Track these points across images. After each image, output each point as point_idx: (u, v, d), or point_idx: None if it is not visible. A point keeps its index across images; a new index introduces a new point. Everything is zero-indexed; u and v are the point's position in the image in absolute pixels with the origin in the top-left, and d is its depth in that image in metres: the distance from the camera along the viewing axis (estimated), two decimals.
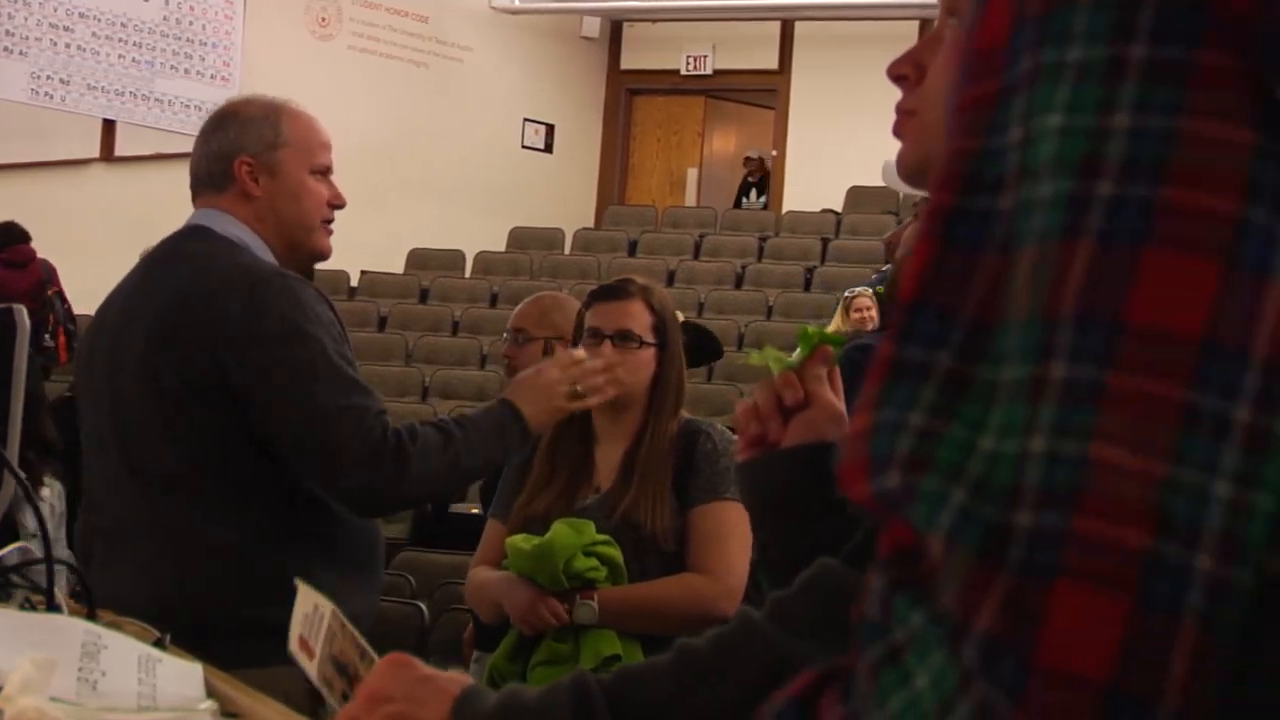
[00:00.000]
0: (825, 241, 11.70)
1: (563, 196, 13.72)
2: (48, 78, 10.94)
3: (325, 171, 2.48)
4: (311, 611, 1.30)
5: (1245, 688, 0.48)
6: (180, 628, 1.76)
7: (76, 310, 8.77)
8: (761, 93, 14.04)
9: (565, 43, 14.06)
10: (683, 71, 14.10)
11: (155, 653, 1.55)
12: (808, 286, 10.95)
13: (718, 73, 13.96)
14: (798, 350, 1.27)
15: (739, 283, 11.17)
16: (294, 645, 1.32)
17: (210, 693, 1.54)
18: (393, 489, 2.28)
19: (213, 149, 2.44)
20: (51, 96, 10.97)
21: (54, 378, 8.36)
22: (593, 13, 14.05)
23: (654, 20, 14.16)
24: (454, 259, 12.19)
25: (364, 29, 12.78)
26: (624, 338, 2.60)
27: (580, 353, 2.49)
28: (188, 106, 11.43)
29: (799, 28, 13.43)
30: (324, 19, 12.60)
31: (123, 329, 2.37)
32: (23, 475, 1.85)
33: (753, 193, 13.59)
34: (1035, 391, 0.51)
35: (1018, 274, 0.52)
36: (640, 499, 2.54)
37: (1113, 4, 0.52)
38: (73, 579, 1.99)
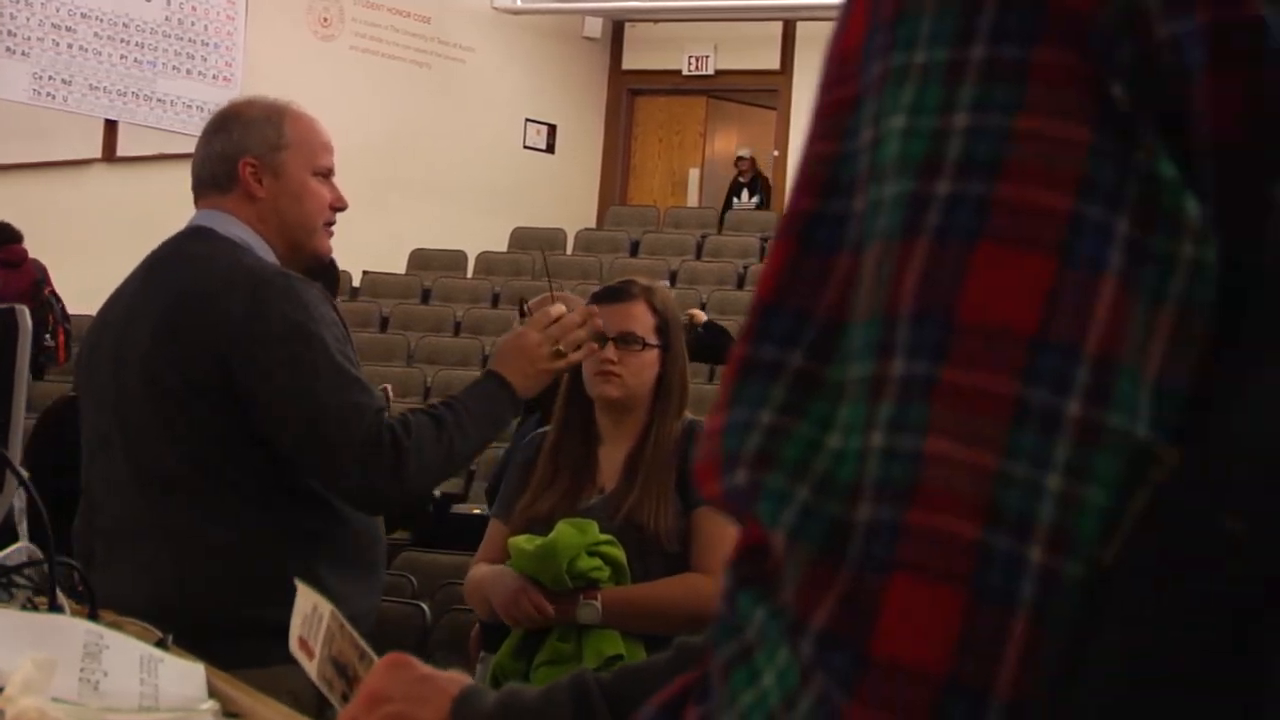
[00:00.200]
0: None
1: (564, 197, 13.72)
2: (49, 78, 10.95)
3: (327, 173, 2.48)
4: (310, 612, 1.30)
5: (1076, 679, 0.48)
6: (181, 628, 1.76)
7: (79, 310, 8.77)
8: (763, 93, 14.04)
9: (567, 43, 14.06)
10: (684, 72, 14.10)
11: (157, 653, 1.56)
12: None
13: (719, 73, 13.97)
14: None
15: (740, 283, 11.17)
16: (294, 646, 1.32)
17: (212, 693, 1.54)
18: (392, 486, 2.29)
19: (216, 150, 2.44)
20: (53, 97, 10.98)
21: (52, 378, 8.38)
22: (595, 13, 14.05)
23: (656, 21, 14.16)
24: (456, 259, 12.20)
25: (366, 29, 12.79)
26: (627, 340, 2.61)
27: (559, 308, 2.48)
28: (189, 107, 11.43)
29: (801, 28, 13.43)
30: (326, 19, 12.61)
31: (126, 329, 2.37)
32: (25, 475, 1.85)
33: (744, 193, 13.57)
34: (876, 389, 0.51)
35: (865, 273, 0.53)
36: (644, 499, 2.55)
37: (956, 7, 0.52)
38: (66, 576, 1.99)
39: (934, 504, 0.49)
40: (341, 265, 10.20)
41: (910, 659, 0.49)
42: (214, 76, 11.70)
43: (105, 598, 1.91)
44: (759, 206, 13.38)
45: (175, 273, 2.37)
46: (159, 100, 11.45)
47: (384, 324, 10.85)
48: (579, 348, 2.44)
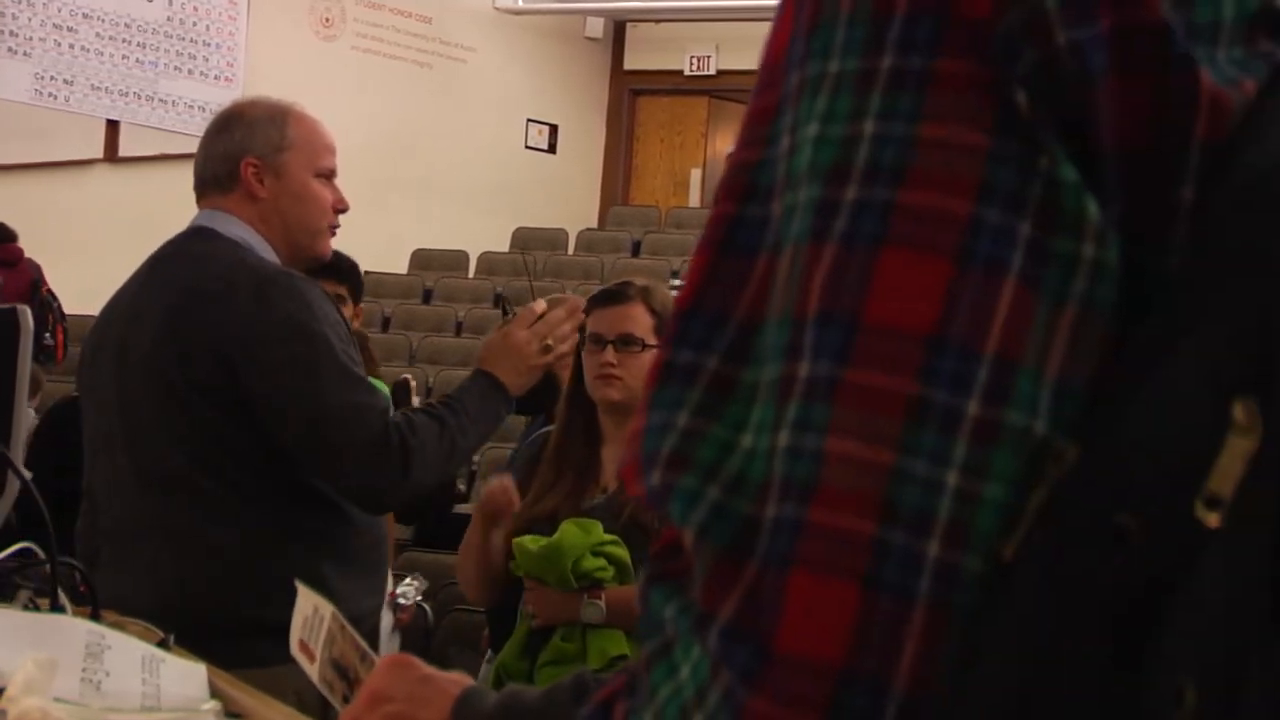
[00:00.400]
0: None
1: (566, 197, 13.72)
2: (51, 78, 10.94)
3: (330, 175, 2.48)
4: (311, 614, 1.30)
5: (977, 669, 0.49)
6: (184, 628, 1.76)
7: (80, 310, 8.77)
8: None
9: (569, 43, 14.05)
10: (686, 72, 14.10)
11: (159, 653, 1.56)
12: None
13: (721, 73, 13.96)
14: None
15: None
16: (295, 648, 1.32)
17: (214, 693, 1.54)
18: (396, 486, 2.30)
19: (218, 150, 2.44)
20: (55, 97, 10.98)
21: (51, 377, 8.37)
22: (596, 13, 14.05)
23: (657, 21, 14.16)
24: (457, 259, 12.20)
25: (368, 30, 12.79)
26: (626, 342, 2.61)
27: (541, 304, 2.50)
28: (191, 107, 11.43)
29: None
30: (328, 20, 12.61)
31: (128, 329, 2.37)
32: (28, 475, 1.85)
33: None
34: (784, 390, 0.52)
35: (778, 277, 0.54)
36: None
37: (867, 18, 0.54)
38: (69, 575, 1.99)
39: (834, 502, 0.50)
40: None
41: (810, 653, 0.50)
42: (216, 77, 11.70)
43: (110, 598, 1.91)
44: None
45: (178, 272, 2.37)
46: (161, 100, 11.45)
47: (385, 324, 10.86)
48: (565, 341, 2.47)
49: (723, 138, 14.94)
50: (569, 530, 2.52)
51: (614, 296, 2.69)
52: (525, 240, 12.72)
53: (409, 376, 6.39)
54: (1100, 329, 0.51)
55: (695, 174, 14.61)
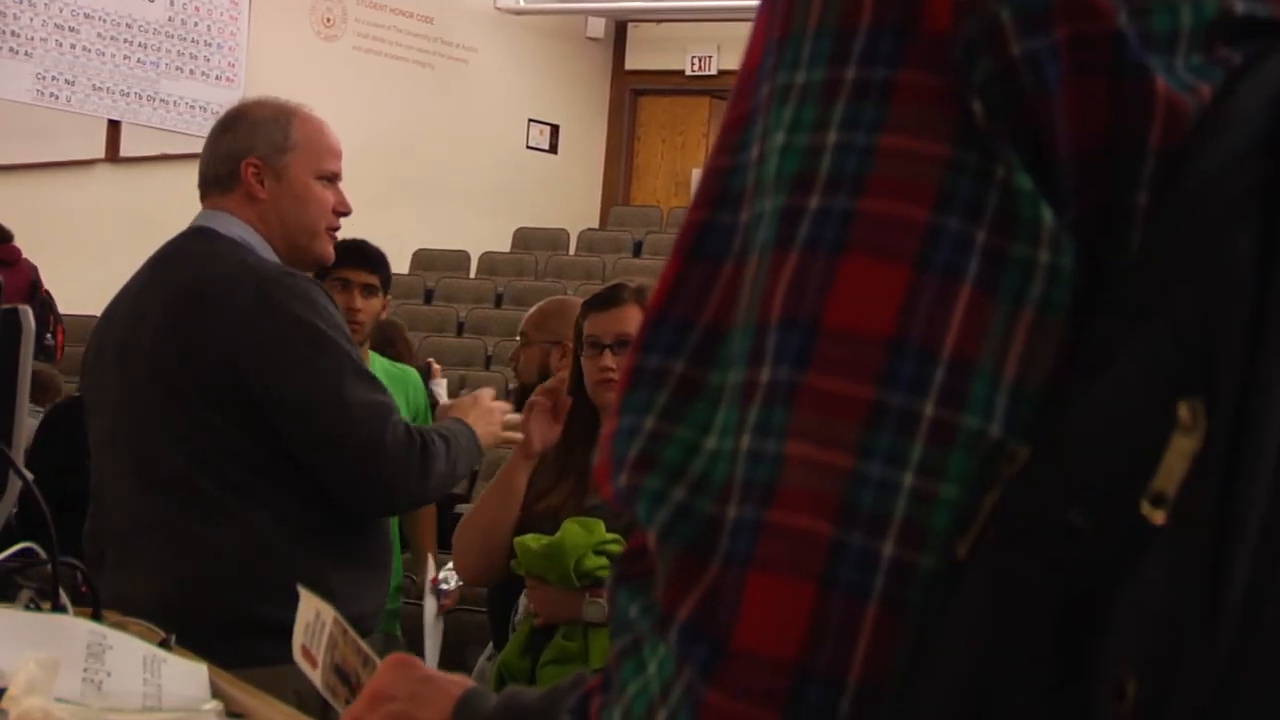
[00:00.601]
0: None
1: (567, 197, 13.72)
2: (53, 78, 10.95)
3: (333, 178, 2.48)
4: (313, 619, 1.30)
5: (929, 664, 0.50)
6: (187, 628, 1.76)
7: (82, 311, 8.77)
8: None
9: (570, 43, 14.06)
10: (687, 72, 14.10)
11: (160, 653, 1.56)
12: None
13: (723, 73, 13.96)
14: None
15: None
16: (298, 654, 1.32)
17: (215, 693, 1.54)
18: (418, 486, 2.34)
19: (221, 150, 2.45)
20: (57, 97, 10.98)
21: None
22: (597, 13, 14.05)
23: (659, 21, 14.16)
24: (459, 259, 12.20)
25: (369, 30, 12.79)
26: (623, 344, 2.62)
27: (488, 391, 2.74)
28: (193, 107, 11.44)
29: None
30: (329, 20, 12.61)
31: (130, 329, 2.37)
32: (30, 476, 1.85)
33: None
34: (747, 393, 0.54)
35: (745, 283, 0.56)
36: None
37: (833, 30, 0.55)
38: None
39: (792, 503, 0.52)
40: None
41: (766, 649, 0.51)
42: (217, 77, 11.70)
43: (116, 599, 1.91)
44: None
45: (179, 271, 2.37)
46: (162, 101, 11.45)
47: None
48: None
49: None
50: (571, 529, 2.52)
51: (608, 300, 2.70)
52: (527, 240, 12.72)
53: (431, 360, 6.39)
54: (1056, 332, 0.53)
55: (696, 174, 14.59)
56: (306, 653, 1.29)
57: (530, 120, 13.88)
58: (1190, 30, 0.54)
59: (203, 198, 2.48)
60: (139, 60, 11.37)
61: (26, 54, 10.83)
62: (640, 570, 0.57)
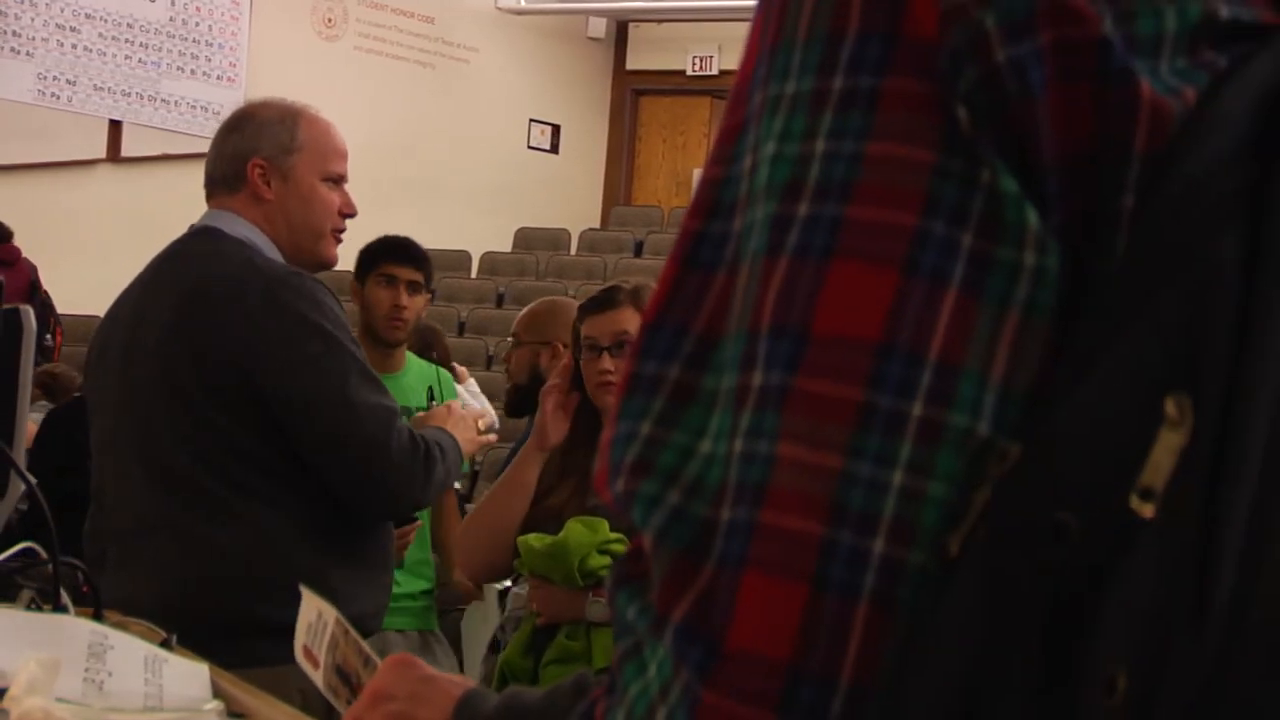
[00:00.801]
0: None
1: (568, 197, 13.72)
2: (54, 78, 10.95)
3: (339, 179, 2.49)
4: (315, 619, 1.30)
5: (920, 661, 0.51)
6: (190, 628, 1.77)
7: (84, 311, 8.78)
8: None
9: (571, 43, 14.06)
10: (688, 72, 14.10)
11: (161, 653, 1.56)
12: None
13: (724, 73, 13.95)
14: None
15: None
16: (299, 655, 1.32)
17: (217, 693, 1.54)
18: (421, 491, 2.36)
19: (228, 150, 2.45)
20: (58, 97, 10.99)
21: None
22: (598, 13, 14.05)
23: (660, 21, 14.16)
24: (460, 259, 12.20)
25: (370, 30, 12.79)
26: (620, 346, 2.62)
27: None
28: (194, 107, 11.44)
29: None
30: (330, 20, 12.61)
31: (134, 329, 2.37)
32: (34, 480, 1.85)
33: None
34: (740, 398, 0.55)
35: (737, 290, 0.57)
36: None
37: (821, 40, 0.56)
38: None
39: (784, 504, 0.53)
40: (346, 266, 10.15)
41: (760, 649, 0.52)
42: (218, 77, 11.70)
43: (118, 599, 1.91)
44: None
45: (184, 271, 2.37)
46: (163, 101, 11.46)
47: None
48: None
49: None
50: (575, 529, 2.52)
51: (604, 303, 2.70)
52: (528, 240, 12.72)
53: (455, 364, 6.40)
54: (1042, 334, 0.53)
55: (697, 174, 14.57)
56: (308, 653, 1.29)
57: (531, 120, 13.88)
58: (1175, 34, 0.55)
59: (209, 198, 2.48)
60: (140, 60, 11.37)
61: (28, 54, 10.83)
62: (639, 572, 0.58)
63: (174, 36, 11.54)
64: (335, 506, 2.32)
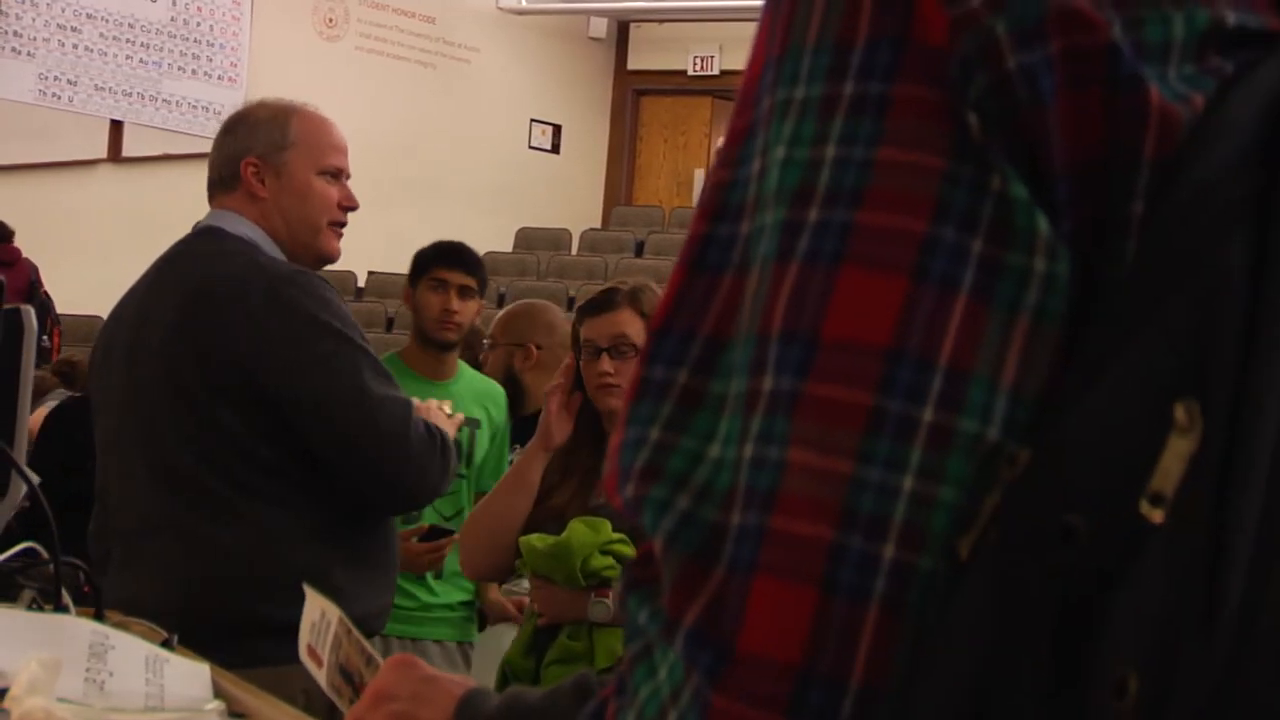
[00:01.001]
0: None
1: (569, 197, 13.73)
2: (55, 78, 10.96)
3: (337, 173, 2.49)
4: (319, 619, 1.30)
5: (930, 665, 0.51)
6: (194, 627, 1.77)
7: (86, 311, 8.79)
8: None
9: (572, 43, 14.06)
10: (690, 72, 14.11)
11: (163, 653, 1.56)
12: None
13: (725, 73, 13.97)
14: None
15: None
16: (303, 654, 1.32)
17: (218, 693, 1.54)
18: (439, 482, 2.36)
19: (225, 151, 2.47)
20: (59, 97, 11.00)
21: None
22: (600, 13, 14.06)
23: (661, 21, 14.17)
24: None
25: (371, 30, 12.80)
26: (620, 348, 2.62)
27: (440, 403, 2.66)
28: (195, 107, 11.45)
29: None
30: (331, 20, 12.62)
31: (138, 328, 2.38)
32: (36, 479, 1.85)
33: None
34: (750, 403, 0.55)
35: (746, 295, 0.57)
36: None
37: (831, 46, 0.56)
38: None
39: (794, 509, 0.53)
40: (346, 265, 10.20)
41: (770, 653, 0.52)
42: (219, 77, 11.71)
43: (123, 599, 1.91)
44: None
45: (187, 271, 2.38)
46: (164, 101, 11.46)
47: (389, 324, 10.86)
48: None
49: None
50: (577, 529, 2.52)
51: (602, 305, 2.70)
52: (529, 240, 12.72)
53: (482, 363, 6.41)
54: (1052, 340, 0.53)
55: (699, 174, 14.62)
56: (312, 652, 1.29)
57: (532, 120, 13.89)
58: (1183, 41, 0.55)
59: (210, 199, 2.50)
60: (141, 60, 11.38)
61: (29, 54, 10.84)
62: (649, 576, 0.58)
63: (175, 36, 11.55)
64: (339, 506, 2.32)
